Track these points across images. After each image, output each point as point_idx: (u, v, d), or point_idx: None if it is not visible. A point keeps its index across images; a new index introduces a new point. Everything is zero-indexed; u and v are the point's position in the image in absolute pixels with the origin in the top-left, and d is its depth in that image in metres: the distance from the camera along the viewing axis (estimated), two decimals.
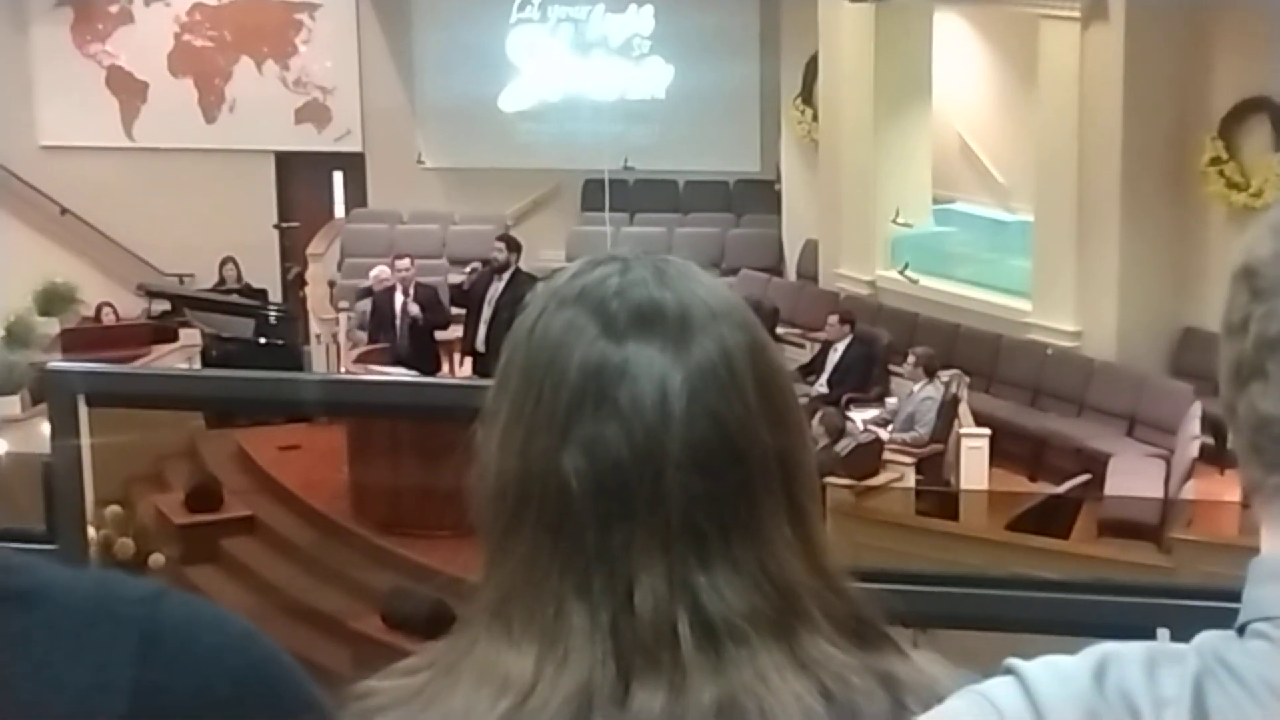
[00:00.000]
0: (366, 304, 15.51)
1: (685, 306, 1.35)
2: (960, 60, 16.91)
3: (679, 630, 1.29)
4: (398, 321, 14.62)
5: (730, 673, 1.29)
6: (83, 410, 2.77)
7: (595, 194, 19.04)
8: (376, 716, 1.32)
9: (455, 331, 15.03)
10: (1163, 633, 1.15)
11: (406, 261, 14.94)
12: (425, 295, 14.84)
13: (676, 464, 1.31)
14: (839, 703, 1.29)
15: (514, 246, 14.53)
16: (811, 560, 1.36)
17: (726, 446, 1.32)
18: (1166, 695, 1.08)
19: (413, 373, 12.84)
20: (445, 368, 14.82)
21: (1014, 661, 1.13)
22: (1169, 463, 12.71)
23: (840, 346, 14.42)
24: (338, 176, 20.76)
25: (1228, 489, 12.40)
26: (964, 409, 13.45)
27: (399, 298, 14.64)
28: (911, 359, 13.45)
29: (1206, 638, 1.11)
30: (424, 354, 14.40)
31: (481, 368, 13.80)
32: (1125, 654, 1.11)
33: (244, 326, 17.00)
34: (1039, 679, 1.10)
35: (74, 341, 16.74)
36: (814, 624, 1.33)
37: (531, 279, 13.81)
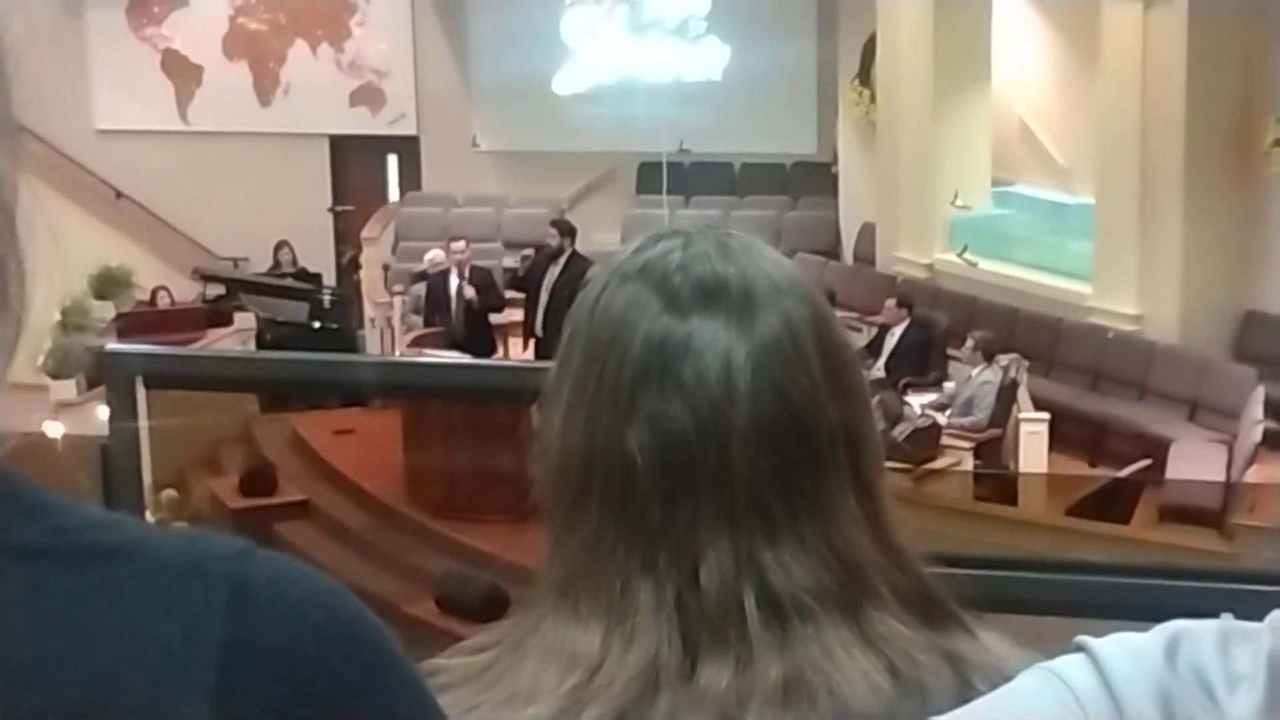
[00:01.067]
0: (421, 288, 15.54)
1: (749, 281, 1.34)
2: (1021, 41, 16.79)
3: (745, 606, 1.28)
4: (453, 304, 14.63)
5: (797, 649, 1.28)
6: (140, 392, 2.76)
7: (650, 177, 19.04)
8: (443, 694, 1.30)
9: (510, 315, 15.04)
10: (1225, 617, 1.10)
11: (461, 244, 14.96)
12: (480, 277, 14.85)
13: (742, 439, 1.30)
14: (905, 680, 1.28)
15: (567, 230, 14.53)
16: (878, 536, 1.35)
17: (792, 421, 1.31)
18: (1240, 672, 1.05)
19: (467, 356, 12.84)
20: (502, 352, 14.84)
21: (1085, 639, 1.10)
22: (1231, 448, 12.60)
23: (898, 330, 14.37)
24: (392, 160, 20.82)
25: None
26: (1023, 393, 13.38)
27: (454, 280, 14.65)
28: (970, 343, 13.39)
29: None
30: (479, 337, 14.42)
31: (541, 351, 13.80)
32: (1198, 631, 1.08)
33: (298, 310, 17.07)
34: (1111, 656, 1.07)
35: (129, 325, 16.84)
36: (881, 601, 1.33)
37: (588, 262, 13.82)
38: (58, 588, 0.82)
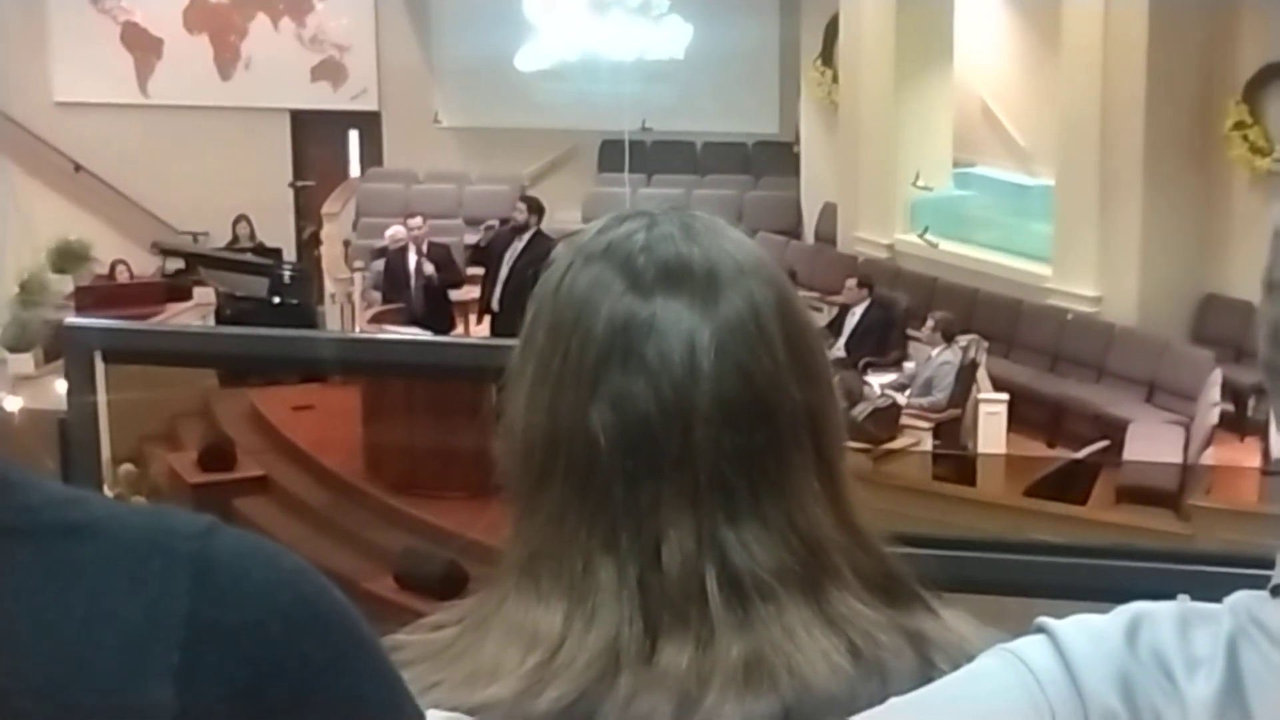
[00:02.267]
0: (381, 264, 15.49)
1: (713, 262, 1.34)
2: (983, 22, 16.83)
3: (707, 586, 1.29)
4: (411, 281, 14.59)
5: (758, 629, 1.28)
6: (99, 367, 2.76)
7: (612, 155, 19.03)
8: (403, 670, 1.30)
9: (470, 292, 15.01)
10: (1182, 598, 1.11)
11: (419, 220, 14.92)
12: (439, 254, 14.82)
13: (705, 420, 1.30)
14: (867, 660, 1.28)
15: (535, 208, 14.49)
16: (840, 516, 1.35)
17: (755, 402, 1.31)
18: (1199, 655, 1.06)
19: (427, 332, 12.81)
20: (460, 328, 14.81)
21: (1046, 620, 1.11)
22: (1188, 430, 12.66)
23: (858, 310, 14.39)
24: (353, 135, 20.74)
25: (1247, 456, 12.38)
26: (982, 374, 13.42)
27: (412, 257, 14.61)
28: (930, 323, 13.41)
29: (1240, 597, 1.09)
30: (438, 313, 14.39)
31: (498, 327, 13.77)
32: (1158, 613, 1.09)
33: (258, 285, 17.00)
34: (1071, 638, 1.08)
35: (88, 299, 16.74)
36: (842, 580, 1.33)
37: (551, 241, 13.79)
38: (19, 566, 0.82)
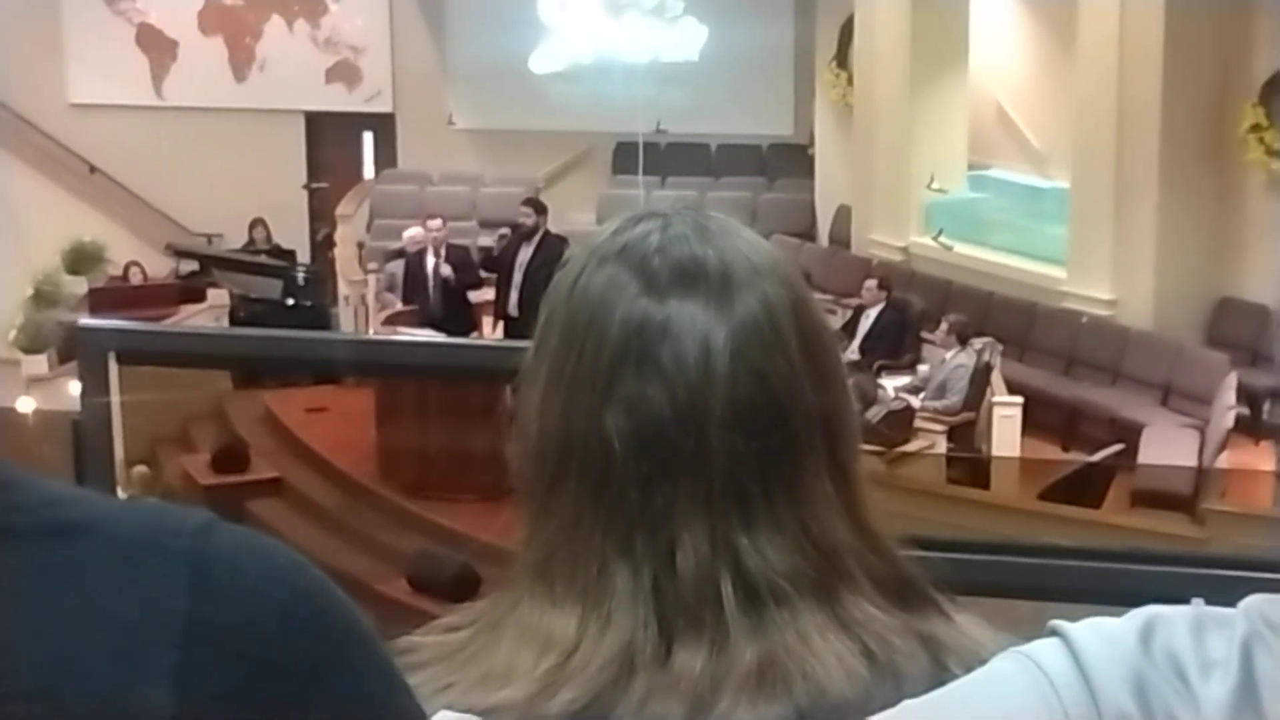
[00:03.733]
0: (396, 265, 15.48)
1: (727, 263, 1.34)
2: (998, 25, 16.82)
3: (721, 590, 1.28)
4: (430, 283, 14.57)
5: (772, 633, 1.28)
6: (113, 368, 2.75)
7: (627, 157, 19.03)
8: (416, 671, 1.30)
9: (487, 294, 15.00)
10: (1196, 602, 1.11)
11: (438, 222, 14.89)
12: (457, 256, 14.80)
13: (720, 423, 1.29)
14: (881, 663, 1.28)
15: (540, 209, 14.47)
16: (854, 520, 1.35)
17: (770, 405, 1.31)
18: (1214, 658, 1.06)
19: (442, 335, 12.81)
20: (479, 331, 14.79)
21: (1059, 623, 1.11)
22: (1203, 433, 12.65)
23: (873, 312, 14.37)
24: (368, 137, 20.77)
25: (1262, 460, 12.36)
26: (997, 377, 13.39)
27: (430, 259, 14.59)
28: (944, 326, 13.39)
29: (1254, 601, 1.09)
30: (457, 315, 14.36)
31: (514, 332, 13.75)
32: (1172, 616, 1.09)
33: (272, 287, 17.02)
34: (1085, 641, 1.08)
35: (102, 301, 16.78)
36: (856, 585, 1.32)
37: (562, 241, 13.79)
38: (13, 567, 0.80)
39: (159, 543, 0.83)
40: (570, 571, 1.31)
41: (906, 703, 1.15)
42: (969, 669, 1.18)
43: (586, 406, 1.31)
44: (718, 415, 1.29)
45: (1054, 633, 1.10)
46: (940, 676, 1.25)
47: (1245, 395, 12.52)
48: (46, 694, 0.78)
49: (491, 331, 14.63)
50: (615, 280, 1.33)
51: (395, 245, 16.04)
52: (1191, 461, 12.17)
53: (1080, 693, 1.05)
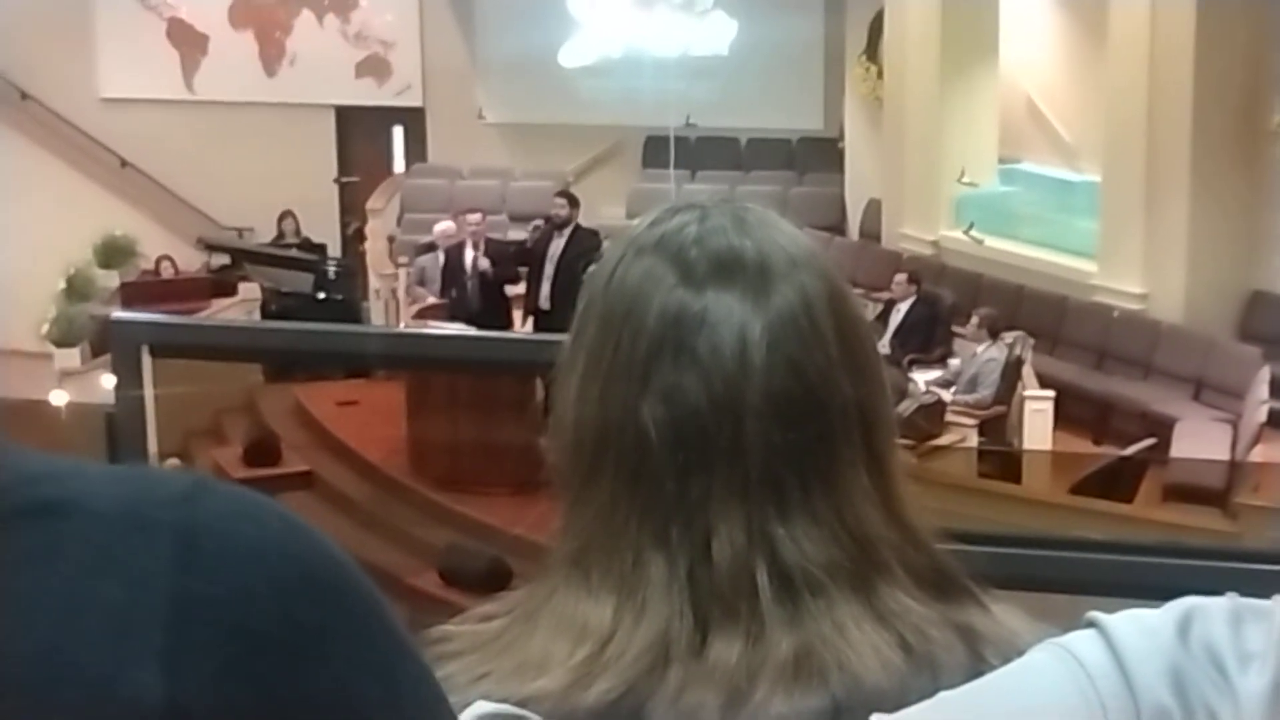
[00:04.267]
0: (426, 259, 15.50)
1: (765, 254, 1.34)
2: (1029, 18, 16.76)
3: (757, 581, 1.29)
4: (467, 277, 14.55)
5: (808, 624, 1.28)
6: (146, 361, 2.76)
7: (657, 151, 19.01)
8: (452, 661, 1.31)
9: (518, 288, 14.99)
10: (1230, 596, 1.10)
11: (477, 215, 14.85)
12: (495, 249, 14.78)
13: (756, 414, 1.30)
14: (917, 655, 1.28)
15: (574, 202, 14.46)
16: (890, 512, 1.35)
17: (807, 396, 1.31)
18: (1252, 650, 1.05)
19: (472, 329, 12.81)
20: (512, 325, 14.77)
21: (1096, 615, 1.10)
22: (1236, 427, 12.59)
23: (903, 307, 14.35)
24: (398, 131, 20.77)
25: None
26: (1028, 371, 13.37)
27: (469, 252, 14.56)
28: (975, 320, 13.36)
29: None
30: (495, 309, 14.32)
31: (545, 325, 13.74)
32: (1210, 608, 1.08)
33: (303, 281, 17.05)
34: (1122, 632, 1.07)
35: (133, 294, 16.83)
36: (892, 576, 1.33)
37: (593, 235, 13.79)
38: None
39: (144, 515, 0.78)
40: (606, 561, 1.31)
41: (943, 694, 1.15)
42: (1006, 660, 1.17)
43: (623, 397, 1.31)
44: (754, 406, 1.30)
45: (1091, 624, 1.10)
46: (977, 668, 1.25)
47: (1278, 389, 12.46)
48: (32, 686, 0.74)
49: (522, 325, 14.62)
50: (653, 271, 1.34)
51: (426, 239, 16.05)
52: (1224, 456, 12.12)
53: (1117, 685, 1.05)
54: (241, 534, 0.80)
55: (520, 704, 1.26)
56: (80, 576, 0.76)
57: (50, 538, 0.77)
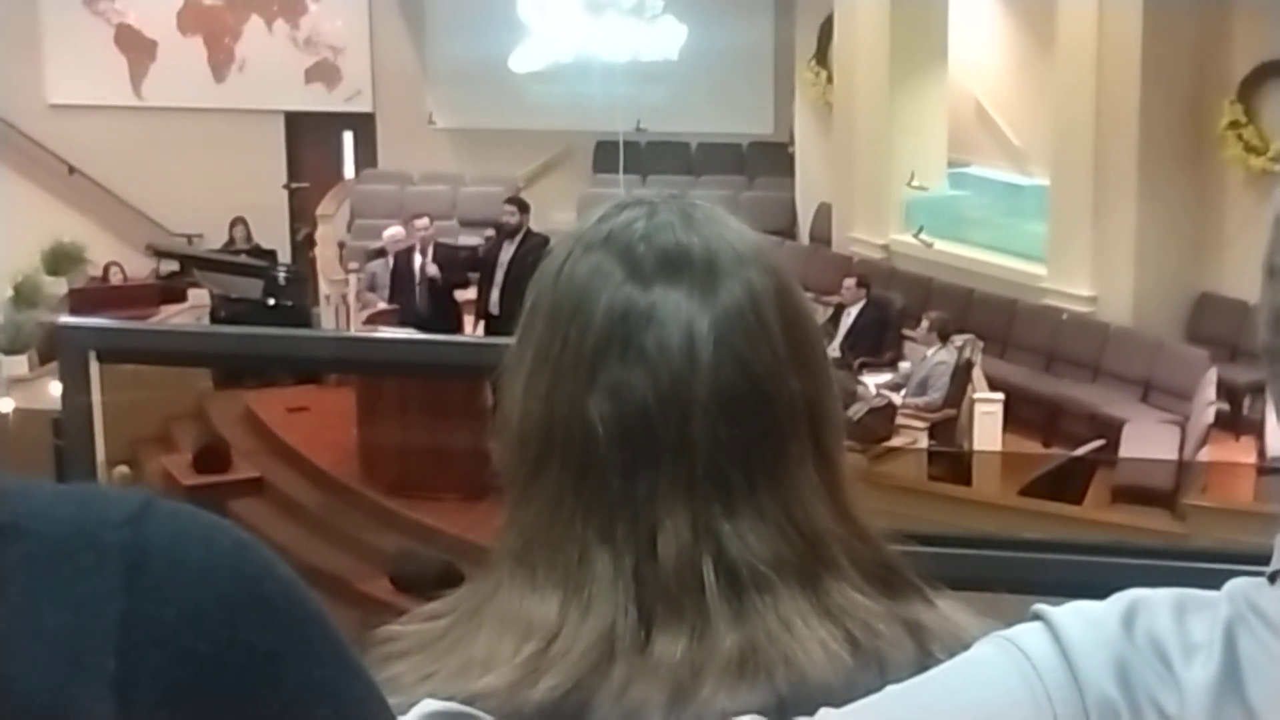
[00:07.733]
0: (377, 265, 15.45)
1: (712, 251, 1.34)
2: (977, 23, 16.83)
3: (703, 577, 1.28)
4: (416, 283, 14.52)
5: (753, 620, 1.28)
6: (94, 367, 2.74)
7: (607, 156, 19.01)
8: (398, 661, 1.31)
9: (469, 293, 14.96)
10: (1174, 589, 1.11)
11: (425, 221, 14.83)
12: (445, 254, 14.75)
13: (703, 410, 1.29)
14: (865, 650, 1.28)
15: (524, 208, 14.46)
16: (838, 507, 1.35)
17: (753, 392, 1.31)
18: (1196, 641, 1.05)
19: (423, 334, 12.78)
20: (462, 330, 14.74)
21: (1042, 608, 1.10)
22: (1184, 429, 12.66)
23: (854, 310, 14.38)
24: (348, 137, 20.71)
25: (1242, 455, 12.38)
26: (978, 374, 13.41)
27: (417, 258, 14.53)
28: (925, 323, 13.40)
29: (1237, 584, 1.08)
30: (444, 314, 14.30)
31: (495, 330, 13.72)
32: (1154, 600, 1.09)
33: (253, 287, 16.95)
34: (1067, 625, 1.07)
35: (82, 301, 16.75)
36: (840, 571, 1.32)
37: (544, 240, 13.76)
38: None
39: (92, 537, 0.77)
40: (551, 557, 1.31)
41: (890, 688, 1.15)
42: (953, 654, 1.17)
43: (570, 392, 1.30)
44: (701, 402, 1.29)
45: (1037, 617, 1.10)
46: (925, 662, 1.25)
47: (1225, 391, 12.54)
48: None
49: (473, 329, 14.58)
50: (600, 267, 1.33)
51: (376, 245, 16.01)
52: (1172, 457, 12.18)
53: (1063, 676, 1.05)
54: (190, 555, 0.79)
55: (467, 701, 1.25)
56: (29, 603, 0.74)
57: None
